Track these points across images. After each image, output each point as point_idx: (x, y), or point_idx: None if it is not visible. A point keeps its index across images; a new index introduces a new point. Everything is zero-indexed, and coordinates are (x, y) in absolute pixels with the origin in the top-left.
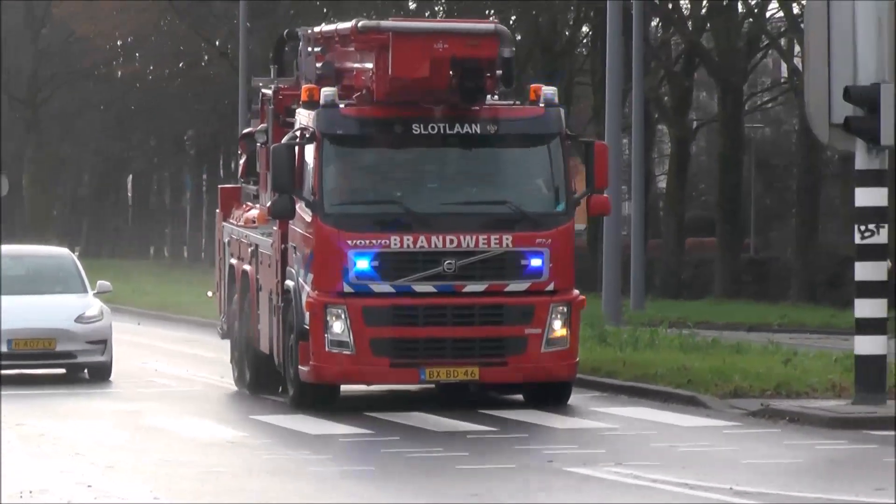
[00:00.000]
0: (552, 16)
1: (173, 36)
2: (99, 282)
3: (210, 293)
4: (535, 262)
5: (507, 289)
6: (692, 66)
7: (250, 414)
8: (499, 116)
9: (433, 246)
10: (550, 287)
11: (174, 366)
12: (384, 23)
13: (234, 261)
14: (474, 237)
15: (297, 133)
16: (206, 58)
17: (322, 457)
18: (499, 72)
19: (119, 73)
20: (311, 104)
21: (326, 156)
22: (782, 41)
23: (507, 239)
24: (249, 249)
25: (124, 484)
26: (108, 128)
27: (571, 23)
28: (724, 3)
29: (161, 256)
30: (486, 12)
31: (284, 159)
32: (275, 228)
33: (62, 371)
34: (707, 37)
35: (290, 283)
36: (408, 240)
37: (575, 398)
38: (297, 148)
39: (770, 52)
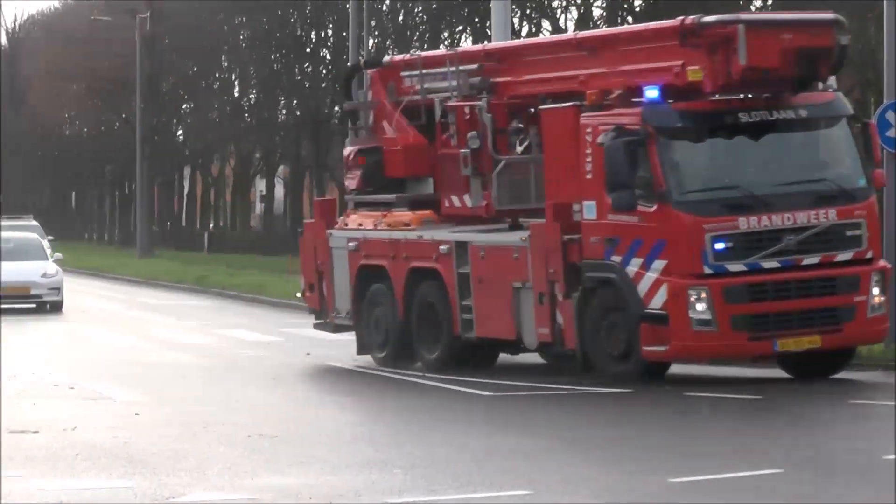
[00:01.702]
0: None
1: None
2: (55, 254)
3: (299, 294)
4: (856, 233)
5: (836, 259)
6: None
7: (146, 330)
8: (805, 101)
9: (774, 224)
10: (868, 255)
11: (104, 302)
12: (731, 16)
13: (375, 261)
14: (807, 213)
15: (614, 131)
16: (116, 124)
17: (187, 356)
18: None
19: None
20: (629, 103)
21: (666, 149)
22: None
23: (832, 213)
24: (441, 248)
25: (69, 372)
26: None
27: (329, 102)
28: None
29: (99, 239)
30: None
31: (621, 156)
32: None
33: (33, 306)
34: None
35: (607, 274)
36: (753, 220)
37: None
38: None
39: None
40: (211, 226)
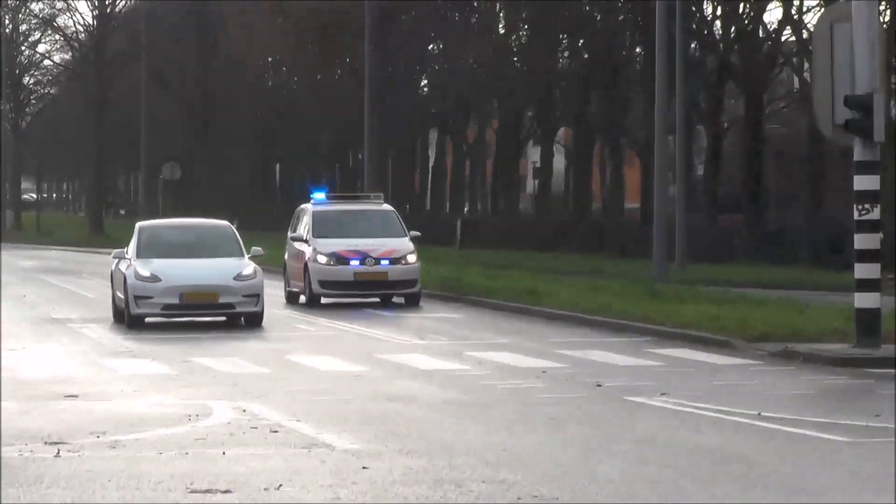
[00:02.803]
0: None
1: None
2: (253, 248)
3: None
4: None
5: None
6: (723, 79)
7: (373, 353)
8: None
9: None
10: None
11: (312, 315)
12: None
13: None
14: None
15: None
16: (338, 72)
17: (429, 387)
18: None
19: (269, 83)
20: None
21: None
22: (794, 60)
23: None
24: None
25: (272, 408)
26: (259, 131)
27: (627, 44)
28: (749, 28)
29: None
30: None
31: None
32: None
33: (223, 319)
34: (734, 55)
35: None
36: None
37: (631, 341)
38: None
39: (785, 67)
40: (465, 209)
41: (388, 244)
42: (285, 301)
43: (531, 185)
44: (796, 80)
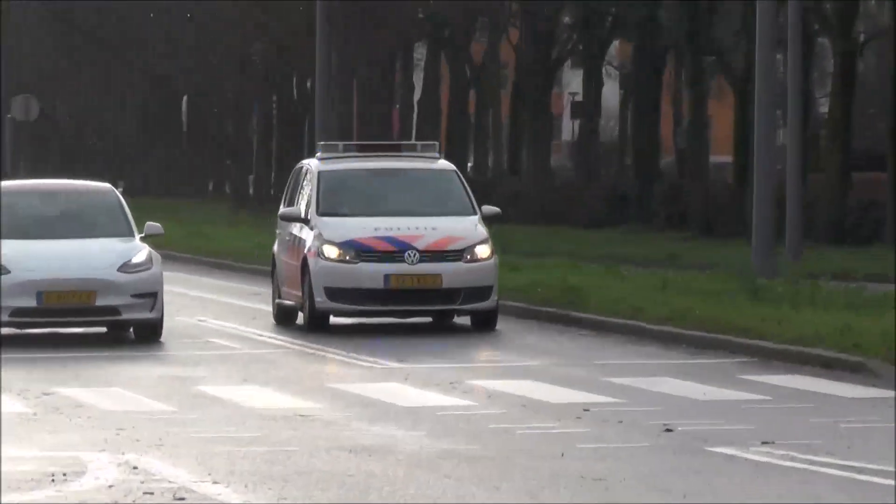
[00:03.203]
0: None
1: None
2: (147, 223)
3: None
4: None
5: None
6: None
7: (327, 382)
8: None
9: None
10: None
11: (236, 324)
12: None
13: None
14: None
15: None
16: None
17: (414, 433)
18: None
19: None
20: None
21: None
22: None
23: None
24: None
25: (175, 465)
26: (157, 42)
27: None
28: None
29: (221, 194)
30: None
31: None
32: None
33: (103, 330)
34: None
35: None
36: None
37: (719, 364)
38: None
39: None
40: (469, 164)
41: (443, 227)
42: (274, 321)
43: (569, 128)
44: None
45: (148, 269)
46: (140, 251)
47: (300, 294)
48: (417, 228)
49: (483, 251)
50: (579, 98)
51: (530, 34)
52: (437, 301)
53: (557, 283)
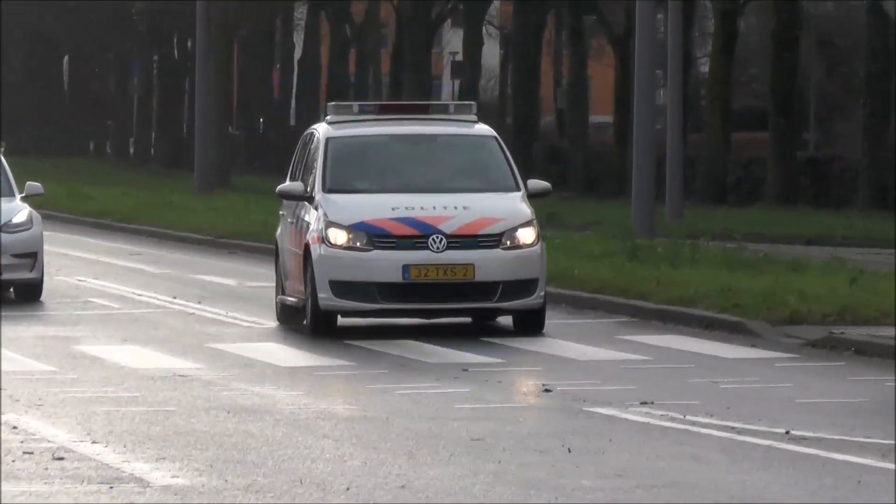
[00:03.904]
0: None
1: None
2: (28, 183)
3: None
4: None
5: None
6: None
7: (207, 342)
8: None
9: None
10: None
11: (117, 284)
12: None
13: None
14: None
15: None
16: None
17: (293, 393)
18: None
19: None
20: None
21: None
22: None
23: None
24: None
25: (55, 424)
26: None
27: None
28: None
29: (102, 153)
30: None
31: None
32: None
33: None
34: None
35: None
36: None
37: (599, 324)
38: None
39: None
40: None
41: (477, 206)
42: (276, 319)
43: (449, 87)
44: None
45: (28, 229)
46: (20, 211)
47: (303, 289)
48: (445, 208)
49: (526, 235)
50: (459, 58)
51: None
52: (469, 297)
53: None
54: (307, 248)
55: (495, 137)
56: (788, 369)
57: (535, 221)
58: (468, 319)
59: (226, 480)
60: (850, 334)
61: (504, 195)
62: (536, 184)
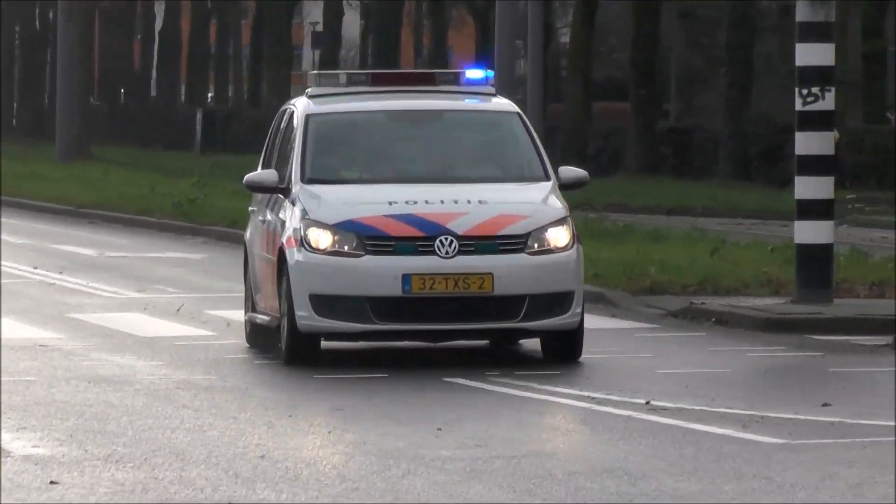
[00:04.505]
0: None
1: None
2: None
3: None
4: None
5: None
6: None
7: (67, 312)
8: None
9: None
10: None
11: None
12: None
13: None
14: None
15: None
16: None
17: (153, 363)
18: None
19: None
20: None
21: None
22: None
23: None
24: None
25: None
26: None
27: None
28: None
29: None
30: None
31: None
32: None
33: None
34: None
35: None
36: None
37: None
38: None
39: None
40: (210, 95)
41: (496, 199)
42: (246, 340)
43: (309, 59)
44: None
45: None
46: None
47: (277, 305)
48: (455, 202)
49: (558, 237)
50: (320, 28)
51: None
52: (487, 315)
53: None
54: (281, 253)
55: (518, 114)
56: (649, 339)
57: (569, 219)
58: (485, 342)
59: (86, 450)
60: (710, 305)
61: (530, 186)
62: (570, 171)
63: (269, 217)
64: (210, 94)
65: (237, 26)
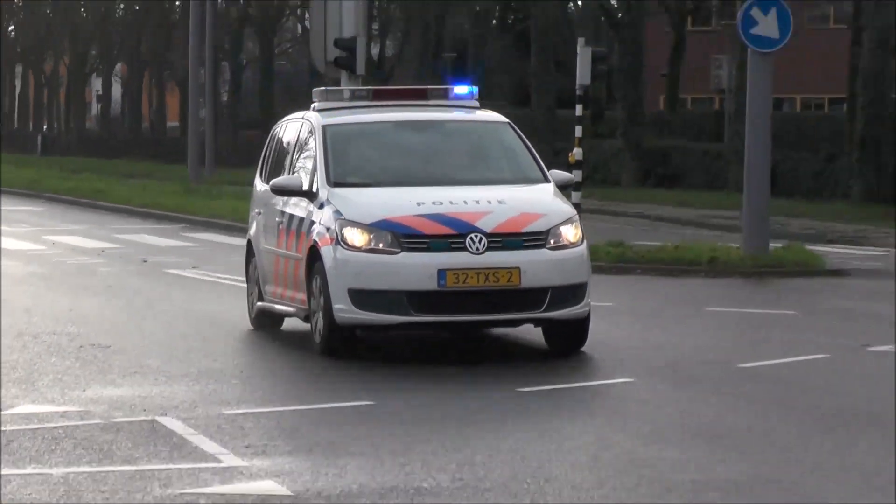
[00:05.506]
0: None
1: None
2: None
3: None
4: None
5: None
6: (243, 25)
7: None
8: None
9: None
10: None
11: None
12: None
13: None
14: None
15: None
16: None
17: (15, 263)
18: None
19: None
20: None
21: None
22: (298, 10)
23: None
24: None
25: None
26: None
27: None
28: None
29: None
30: None
31: None
32: None
33: None
34: (252, 7)
35: None
36: None
37: (170, 228)
38: None
39: (291, 16)
40: (45, 127)
41: (515, 199)
42: (251, 325)
43: (95, 108)
44: (299, 26)
45: None
46: None
47: (304, 298)
48: (477, 202)
49: (571, 233)
50: (100, 93)
51: (75, 59)
52: (515, 306)
53: (90, 186)
54: (313, 251)
55: (509, 123)
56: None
57: (576, 217)
58: (507, 329)
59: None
60: None
61: (534, 187)
62: (560, 175)
63: (289, 216)
64: (45, 126)
65: (58, 90)
